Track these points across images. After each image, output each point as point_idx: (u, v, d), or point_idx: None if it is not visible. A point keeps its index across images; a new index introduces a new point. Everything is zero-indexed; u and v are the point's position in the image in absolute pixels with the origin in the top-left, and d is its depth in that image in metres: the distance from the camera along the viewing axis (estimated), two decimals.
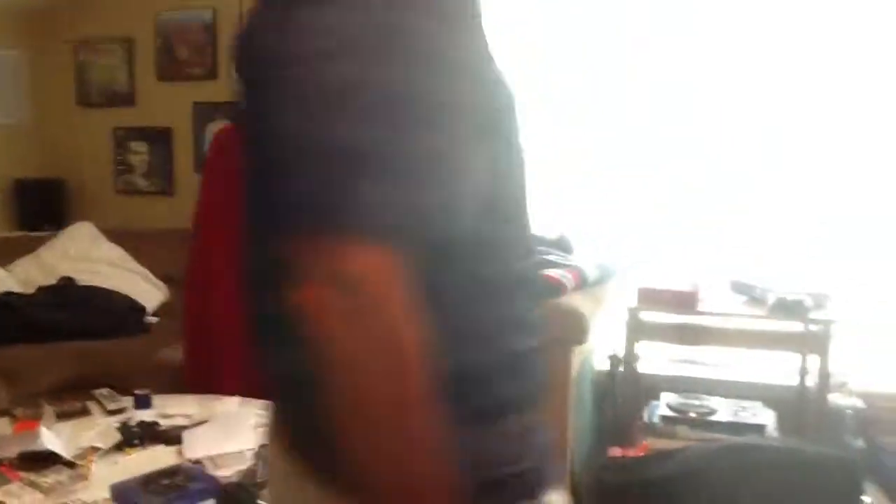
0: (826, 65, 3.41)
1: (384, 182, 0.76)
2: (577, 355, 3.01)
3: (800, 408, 3.32)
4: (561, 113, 3.75)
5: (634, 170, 3.73)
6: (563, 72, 3.74)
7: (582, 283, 3.12)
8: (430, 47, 0.79)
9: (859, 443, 3.13)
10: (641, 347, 3.48)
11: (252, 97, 0.85)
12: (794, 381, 3.39)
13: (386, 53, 0.77)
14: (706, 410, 3.30)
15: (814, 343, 3.11)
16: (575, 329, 2.87)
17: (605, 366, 3.57)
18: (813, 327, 3.11)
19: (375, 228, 0.75)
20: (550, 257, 3.18)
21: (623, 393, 3.47)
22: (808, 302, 3.08)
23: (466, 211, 0.84)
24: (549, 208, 3.74)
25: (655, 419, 3.30)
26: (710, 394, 3.42)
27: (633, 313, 3.35)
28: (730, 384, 3.52)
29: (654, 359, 3.63)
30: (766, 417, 3.23)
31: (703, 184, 3.65)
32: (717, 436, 3.13)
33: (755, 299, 3.26)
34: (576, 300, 2.97)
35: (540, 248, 3.28)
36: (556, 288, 2.91)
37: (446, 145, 0.79)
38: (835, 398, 3.21)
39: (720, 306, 3.30)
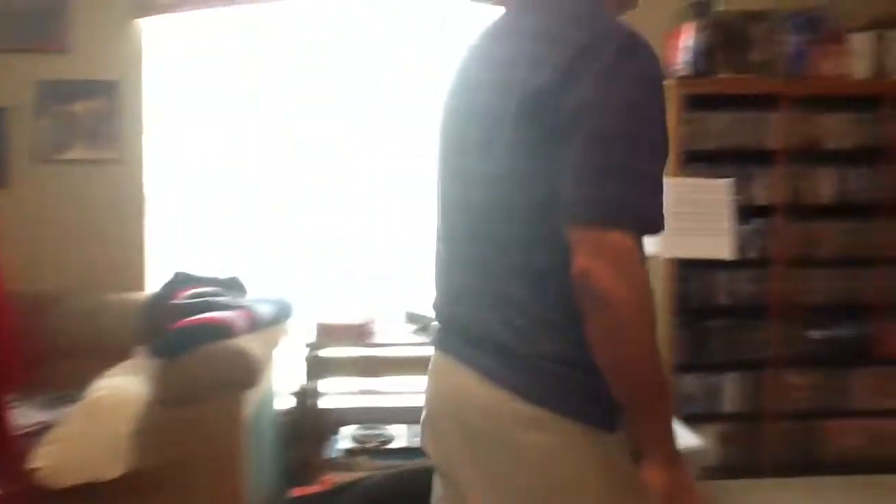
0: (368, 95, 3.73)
1: (648, 195, 1.21)
2: (253, 397, 2.96)
3: None
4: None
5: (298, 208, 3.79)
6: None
7: (256, 324, 3.08)
8: (665, 115, 1.25)
9: None
10: (325, 383, 3.51)
11: (574, 120, 1.20)
12: None
13: (653, 118, 1.23)
14: (385, 439, 3.41)
15: None
16: (245, 371, 2.81)
17: (288, 405, 3.55)
18: None
19: (645, 225, 1.21)
20: (221, 298, 3.10)
21: (306, 431, 3.47)
22: None
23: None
24: (220, 248, 3.67)
25: (337, 453, 3.34)
26: (392, 422, 3.54)
27: (312, 349, 3.38)
28: (407, 410, 3.66)
29: (338, 393, 3.68)
30: None
31: (372, 221, 3.81)
32: (396, 462, 3.24)
33: (424, 327, 3.44)
34: (247, 341, 2.92)
35: (210, 289, 3.21)
36: (224, 329, 2.84)
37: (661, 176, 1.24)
38: None
39: (393, 336, 3.43)
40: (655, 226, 1.21)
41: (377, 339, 3.39)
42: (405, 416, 3.60)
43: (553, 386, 1.27)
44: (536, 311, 1.29)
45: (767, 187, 3.58)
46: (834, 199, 3.62)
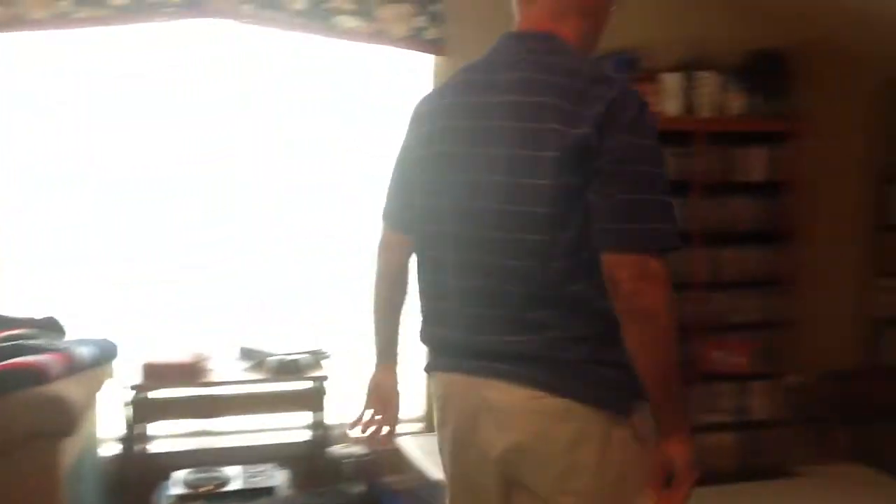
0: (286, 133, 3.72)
1: (672, 225, 1.47)
2: (73, 446, 2.76)
3: (309, 463, 3.48)
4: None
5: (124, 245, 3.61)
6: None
7: (75, 367, 2.88)
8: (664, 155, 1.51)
9: (359, 488, 3.38)
10: (154, 426, 3.34)
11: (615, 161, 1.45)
12: (304, 437, 3.54)
13: (664, 161, 1.50)
14: (221, 481, 3.27)
15: (312, 399, 3.30)
16: (61, 418, 2.62)
17: (114, 451, 3.34)
18: (310, 384, 3.30)
19: (671, 249, 1.47)
20: (34, 341, 2.89)
21: (134, 478, 3.28)
22: (305, 361, 3.26)
23: None
24: (34, 288, 3.43)
25: (168, 500, 3.17)
26: (226, 464, 3.41)
27: (138, 391, 3.20)
28: (245, 450, 3.55)
29: (168, 436, 3.51)
30: (278, 478, 3.31)
31: (200, 254, 3.68)
32: None
33: (260, 363, 3.35)
34: (64, 386, 2.72)
35: (23, 331, 2.98)
36: (37, 374, 2.64)
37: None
38: (337, 449, 3.43)
39: (226, 374, 3.32)
40: (676, 248, 1.49)
41: (210, 378, 3.27)
42: (243, 456, 3.49)
43: (594, 385, 1.53)
44: (566, 329, 1.51)
45: None
46: None
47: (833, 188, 4.31)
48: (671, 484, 1.55)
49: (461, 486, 1.71)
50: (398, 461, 3.56)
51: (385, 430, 1.88)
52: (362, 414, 1.88)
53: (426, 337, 1.74)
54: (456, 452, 1.68)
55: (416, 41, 3.52)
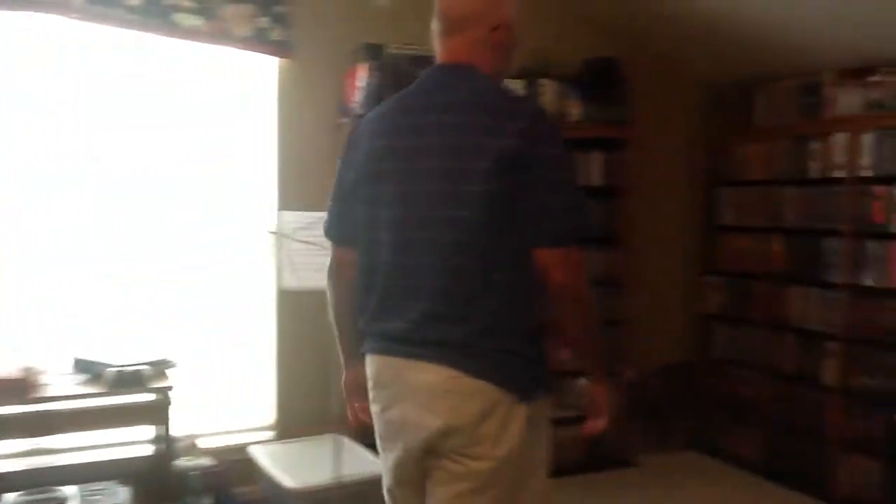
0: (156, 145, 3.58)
1: (589, 218, 1.76)
2: None
3: (155, 477, 3.33)
4: None
5: None
6: None
7: None
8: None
9: (207, 501, 3.28)
10: None
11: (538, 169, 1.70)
12: (148, 451, 3.39)
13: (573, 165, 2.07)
14: (56, 503, 3.08)
15: (156, 411, 3.17)
16: None
17: None
18: (153, 396, 3.17)
19: (582, 240, 1.75)
20: None
21: None
22: (147, 372, 3.12)
23: None
24: None
25: None
26: (64, 483, 3.21)
27: None
28: (83, 468, 3.35)
29: None
30: (120, 496, 3.16)
31: (29, 259, 3.47)
32: None
33: (97, 376, 3.18)
34: None
35: None
36: None
37: None
38: (183, 461, 3.31)
39: (60, 389, 3.13)
40: (588, 236, 1.79)
41: (42, 394, 3.07)
42: (82, 474, 3.30)
43: (503, 371, 1.77)
44: (487, 320, 1.75)
45: None
46: None
47: (666, 191, 4.59)
48: (596, 417, 1.95)
49: (390, 449, 1.92)
50: (248, 470, 3.48)
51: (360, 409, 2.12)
52: (352, 408, 2.15)
53: (365, 327, 1.93)
54: (385, 420, 1.89)
55: (260, 42, 3.48)
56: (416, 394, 1.80)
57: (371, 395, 1.93)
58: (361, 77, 3.58)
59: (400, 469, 1.90)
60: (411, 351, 1.80)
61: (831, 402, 3.81)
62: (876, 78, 3.59)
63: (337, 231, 2.00)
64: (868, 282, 3.64)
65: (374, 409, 1.93)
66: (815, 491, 3.87)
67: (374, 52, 3.62)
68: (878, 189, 3.58)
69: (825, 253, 3.86)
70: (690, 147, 4.64)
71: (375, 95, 3.59)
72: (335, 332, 2.11)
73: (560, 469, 4.00)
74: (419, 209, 1.77)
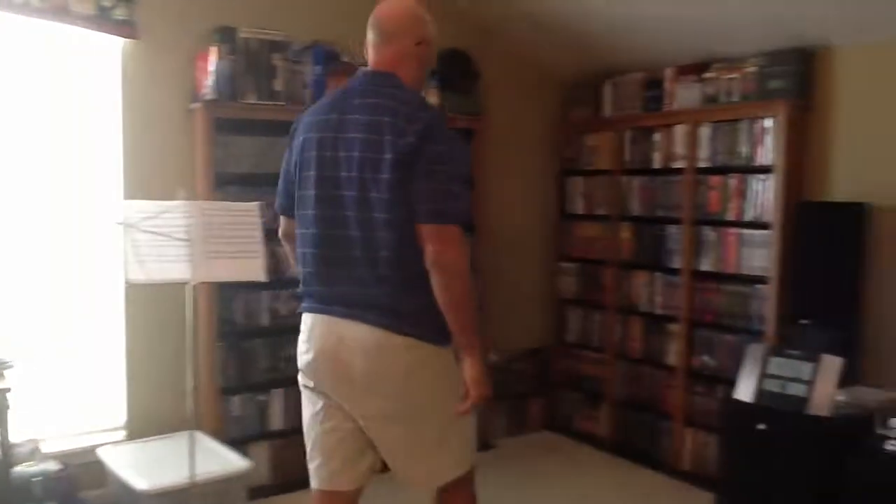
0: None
1: (468, 205, 2.11)
2: None
3: None
4: None
5: None
6: None
7: None
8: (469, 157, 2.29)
9: None
10: None
11: (427, 162, 2.06)
12: None
13: (466, 162, 2.21)
14: None
15: None
16: None
17: None
18: None
19: (465, 223, 2.07)
20: None
21: None
22: None
23: None
24: None
25: None
26: None
27: None
28: None
29: None
30: None
31: None
32: None
33: None
34: None
35: None
36: None
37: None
38: (24, 467, 3.11)
39: None
40: (470, 222, 2.12)
41: None
42: None
43: (422, 327, 2.14)
44: (400, 284, 2.11)
45: None
46: None
47: (523, 181, 4.72)
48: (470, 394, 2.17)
49: (317, 394, 2.28)
50: (98, 474, 3.31)
51: None
52: None
53: (303, 290, 2.29)
54: (317, 369, 2.23)
55: (102, 21, 3.29)
56: (348, 344, 2.15)
57: (302, 345, 2.28)
58: (213, 61, 3.47)
59: (330, 410, 2.25)
60: (343, 311, 2.16)
61: (674, 381, 4.06)
62: (710, 74, 3.84)
63: (287, 208, 2.33)
64: (705, 267, 3.89)
65: (304, 358, 2.27)
66: (661, 465, 4.12)
67: (226, 36, 3.51)
68: (714, 179, 3.83)
69: (668, 240, 4.09)
70: (545, 138, 4.79)
71: (229, 81, 3.49)
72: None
73: None
74: (343, 191, 2.12)
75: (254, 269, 2.92)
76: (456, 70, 4.14)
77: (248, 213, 2.92)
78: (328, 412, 2.27)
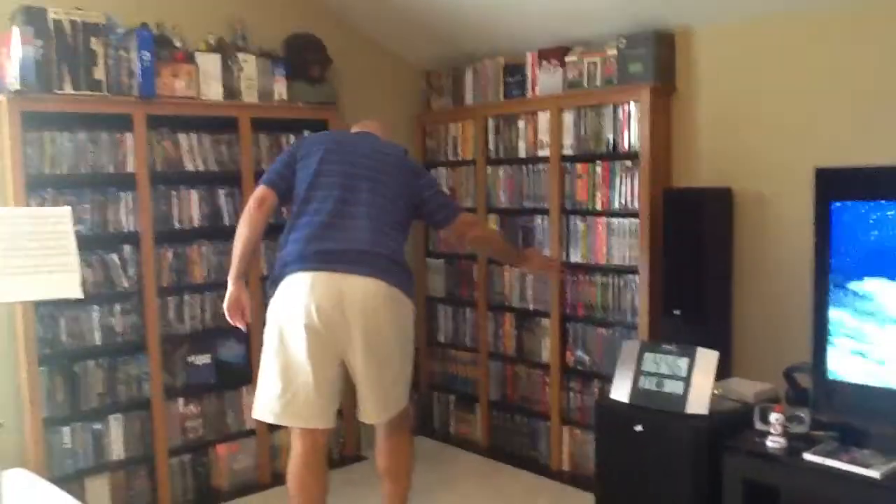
0: None
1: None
2: None
3: None
4: None
5: None
6: None
7: None
8: None
9: None
10: None
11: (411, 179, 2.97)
12: None
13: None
14: None
15: None
16: None
17: None
18: None
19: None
20: None
21: None
22: None
23: None
24: None
25: None
26: None
27: None
28: None
29: None
30: None
31: None
32: None
33: None
34: None
35: None
36: None
37: None
38: None
39: None
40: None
41: None
42: None
43: (405, 282, 2.80)
44: (395, 248, 2.79)
45: (133, 212, 3.38)
46: (203, 221, 3.59)
47: None
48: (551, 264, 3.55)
49: (319, 332, 2.69)
50: None
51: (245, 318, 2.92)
52: (240, 313, 2.91)
53: (299, 251, 2.73)
54: (322, 310, 2.65)
55: None
56: (353, 291, 2.66)
57: (292, 300, 2.69)
58: (16, 46, 3.01)
59: (326, 354, 2.71)
60: (347, 267, 2.68)
61: (549, 379, 3.90)
62: (572, 58, 3.68)
63: (273, 181, 2.87)
64: (575, 258, 3.75)
65: (294, 311, 2.68)
66: (539, 467, 3.96)
67: (31, 16, 3.05)
68: (581, 167, 3.68)
69: (537, 232, 3.92)
70: (405, 129, 4.54)
71: (38, 69, 3.04)
72: (239, 250, 2.84)
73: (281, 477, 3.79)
74: (360, 189, 2.81)
75: (67, 284, 2.52)
76: (305, 57, 3.82)
77: (58, 220, 2.53)
78: (318, 360, 2.69)
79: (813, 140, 3.05)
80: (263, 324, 2.83)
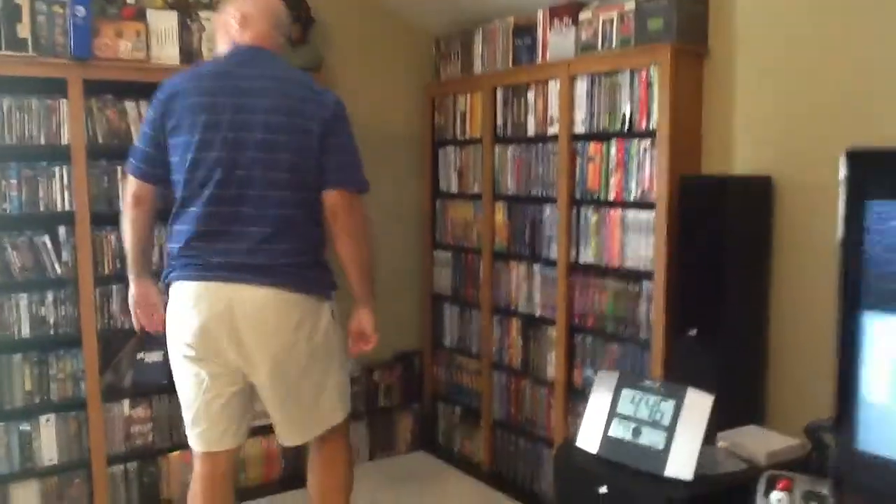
0: None
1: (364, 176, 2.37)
2: None
3: None
4: None
5: None
6: None
7: None
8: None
9: None
10: None
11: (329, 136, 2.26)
12: None
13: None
14: None
15: None
16: None
17: None
18: None
19: (362, 191, 2.35)
20: None
21: None
22: None
23: None
24: None
25: None
26: None
27: None
28: None
29: None
30: None
31: None
32: None
33: None
34: None
35: None
36: None
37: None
38: None
39: None
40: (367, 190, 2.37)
41: None
42: None
43: (308, 283, 2.30)
44: (300, 241, 2.28)
45: (68, 189, 2.98)
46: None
47: (389, 152, 3.91)
48: (364, 338, 2.49)
49: (207, 354, 2.28)
50: None
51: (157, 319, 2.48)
52: (146, 318, 2.51)
53: (181, 252, 2.27)
54: (207, 331, 2.23)
55: None
56: (245, 304, 2.21)
57: (182, 312, 2.26)
58: None
59: (212, 380, 2.30)
60: (235, 276, 2.21)
61: (554, 398, 3.28)
62: (586, 15, 3.01)
63: (146, 172, 2.34)
64: (586, 258, 3.10)
65: (185, 323, 2.26)
66: (536, 499, 3.35)
67: None
68: (593, 147, 3.02)
69: (546, 224, 3.29)
70: (412, 102, 3.97)
71: None
72: (133, 250, 2.43)
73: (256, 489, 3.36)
74: (251, 153, 2.21)
75: None
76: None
77: None
78: (211, 382, 2.31)
79: (890, 121, 2.29)
80: None
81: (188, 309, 2.25)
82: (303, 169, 2.23)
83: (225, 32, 2.40)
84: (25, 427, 3.01)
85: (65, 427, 3.07)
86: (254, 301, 2.21)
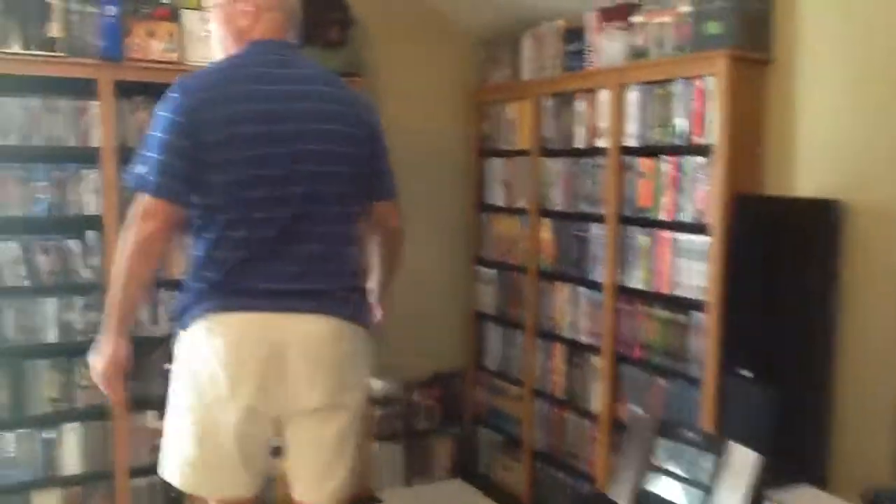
0: None
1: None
2: None
3: None
4: None
5: None
6: None
7: None
8: None
9: None
10: None
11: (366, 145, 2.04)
12: None
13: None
14: None
15: None
16: None
17: None
18: None
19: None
20: None
21: None
22: None
23: None
24: None
25: None
26: None
27: None
28: None
29: None
30: None
31: None
32: None
33: None
34: None
35: None
36: None
37: None
38: None
39: None
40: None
41: None
42: None
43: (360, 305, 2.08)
44: (352, 263, 2.04)
45: (97, 193, 2.92)
46: None
47: (433, 162, 3.74)
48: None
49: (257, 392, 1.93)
50: None
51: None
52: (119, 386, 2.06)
53: (223, 281, 1.92)
54: (251, 383, 1.91)
55: None
56: (304, 337, 1.93)
57: (225, 349, 1.90)
58: None
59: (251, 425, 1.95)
60: (289, 305, 1.92)
61: (598, 432, 3.03)
62: (638, 18, 2.77)
63: (171, 187, 1.87)
64: (634, 283, 2.85)
65: (231, 361, 1.91)
66: None
67: None
68: (644, 162, 2.78)
69: (592, 244, 3.05)
70: (457, 108, 3.78)
71: None
72: (121, 304, 1.94)
73: None
74: (306, 167, 1.92)
75: None
76: (321, 16, 3.18)
77: None
78: (246, 432, 1.97)
79: None
80: None
81: (231, 348, 1.91)
82: (358, 180, 2.01)
83: (231, 25, 2.06)
84: (50, 434, 2.95)
85: (89, 436, 3.01)
86: (314, 332, 1.94)
